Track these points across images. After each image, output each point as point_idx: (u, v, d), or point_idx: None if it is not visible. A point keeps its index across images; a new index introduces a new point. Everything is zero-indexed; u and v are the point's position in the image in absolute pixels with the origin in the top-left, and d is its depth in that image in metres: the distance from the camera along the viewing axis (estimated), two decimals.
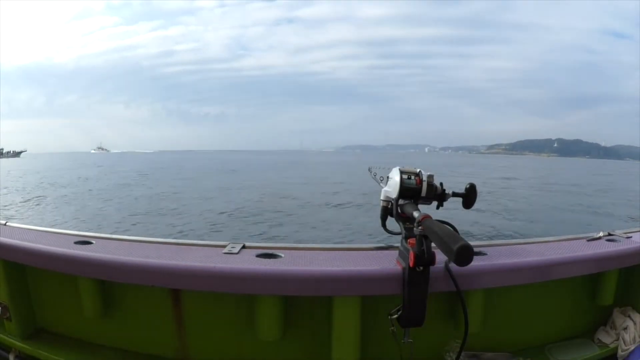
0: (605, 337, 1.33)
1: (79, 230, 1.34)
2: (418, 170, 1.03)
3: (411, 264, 0.92)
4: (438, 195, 1.02)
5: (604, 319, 1.38)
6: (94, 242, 1.20)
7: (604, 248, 1.22)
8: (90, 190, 15.73)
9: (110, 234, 1.30)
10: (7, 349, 1.32)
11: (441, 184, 1.04)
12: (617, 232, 1.36)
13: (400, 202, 1.02)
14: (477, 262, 1.01)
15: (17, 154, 76.32)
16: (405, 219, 1.00)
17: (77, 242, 1.19)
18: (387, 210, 1.07)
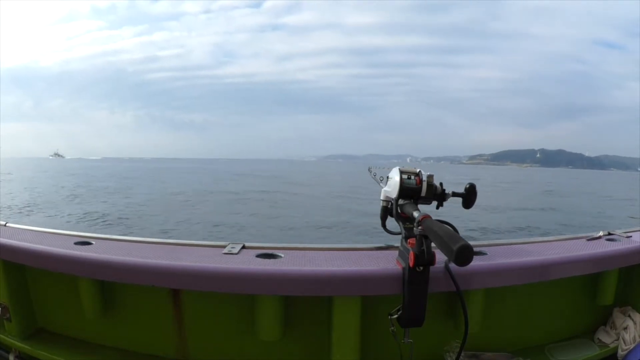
0: (605, 337, 1.33)
1: (78, 231, 1.34)
2: (418, 170, 1.03)
3: (411, 264, 0.92)
4: (438, 195, 1.02)
5: (604, 318, 1.38)
6: (93, 242, 1.20)
7: (603, 248, 1.22)
8: None
9: (110, 234, 1.30)
10: (7, 349, 1.32)
11: (441, 184, 1.04)
12: (617, 231, 1.36)
13: (400, 202, 1.02)
14: (477, 262, 1.01)
15: None
16: (405, 219, 1.00)
17: (77, 243, 1.18)
18: (387, 210, 1.07)
